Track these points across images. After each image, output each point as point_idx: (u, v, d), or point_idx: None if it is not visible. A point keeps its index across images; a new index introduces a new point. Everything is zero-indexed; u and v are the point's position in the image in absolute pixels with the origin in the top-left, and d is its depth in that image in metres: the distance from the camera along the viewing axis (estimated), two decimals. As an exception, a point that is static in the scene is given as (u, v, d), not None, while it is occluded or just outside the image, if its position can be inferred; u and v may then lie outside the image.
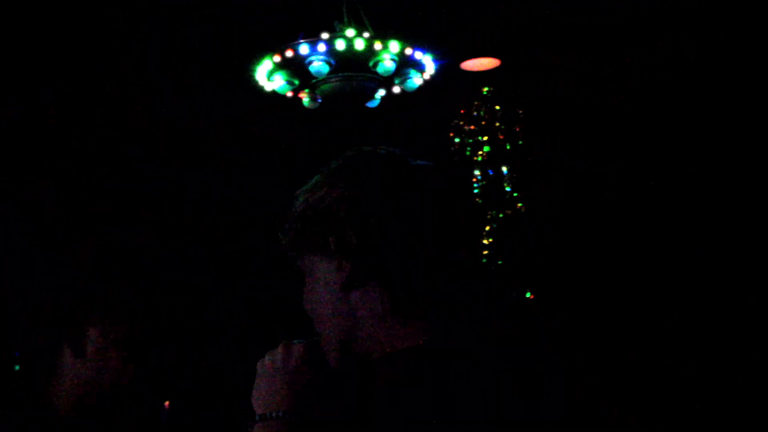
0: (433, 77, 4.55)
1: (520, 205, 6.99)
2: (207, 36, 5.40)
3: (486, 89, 6.74)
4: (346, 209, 1.51)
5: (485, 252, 7.07)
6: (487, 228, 7.01)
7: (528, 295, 7.40)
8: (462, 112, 6.83)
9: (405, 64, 4.35)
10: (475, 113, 6.83)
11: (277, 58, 4.26)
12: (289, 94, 4.47)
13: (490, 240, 7.03)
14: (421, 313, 1.59)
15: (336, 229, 1.51)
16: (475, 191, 6.94)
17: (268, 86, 4.46)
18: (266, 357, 1.68)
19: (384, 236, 1.51)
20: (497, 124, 6.82)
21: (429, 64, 4.44)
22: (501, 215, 7.00)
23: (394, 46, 4.22)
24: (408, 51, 4.27)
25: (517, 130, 6.85)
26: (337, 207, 1.51)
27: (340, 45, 4.17)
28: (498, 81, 6.57)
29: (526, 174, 7.01)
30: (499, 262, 7.15)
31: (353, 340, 1.60)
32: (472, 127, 6.85)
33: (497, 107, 6.80)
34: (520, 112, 6.79)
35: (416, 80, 4.46)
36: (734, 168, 7.05)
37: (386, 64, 4.23)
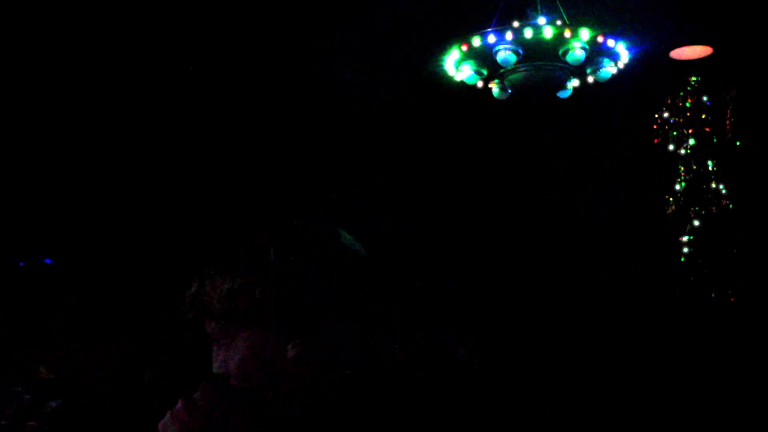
0: (638, 66, 4.43)
1: (726, 202, 6.67)
2: (397, 25, 5.31)
3: (694, 78, 6.42)
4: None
5: (686, 250, 6.79)
6: (689, 226, 6.75)
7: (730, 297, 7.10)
8: (668, 101, 6.55)
9: (597, 52, 4.25)
10: (680, 104, 6.52)
11: (464, 48, 4.20)
12: (479, 84, 4.38)
13: (691, 238, 6.79)
14: None
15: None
16: (678, 187, 6.63)
17: (457, 76, 4.40)
18: (167, 416, 1.71)
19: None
20: (704, 116, 6.50)
21: (623, 52, 4.32)
22: (704, 212, 6.70)
23: (585, 34, 4.12)
24: (600, 39, 4.17)
25: (726, 122, 6.55)
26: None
27: (528, 34, 4.08)
28: (708, 70, 6.25)
29: (734, 169, 6.64)
30: (699, 262, 6.90)
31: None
32: (678, 118, 6.55)
33: (705, 98, 6.47)
34: (730, 103, 6.44)
35: (609, 69, 4.35)
36: None
37: (576, 53, 4.13)
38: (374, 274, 1.77)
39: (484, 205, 7.23)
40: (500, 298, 7.63)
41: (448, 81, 4.48)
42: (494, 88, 4.41)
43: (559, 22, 4.13)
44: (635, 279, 7.42)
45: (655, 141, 6.57)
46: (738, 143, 6.53)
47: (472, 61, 4.26)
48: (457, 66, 4.35)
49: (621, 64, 4.38)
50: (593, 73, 4.35)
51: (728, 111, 6.50)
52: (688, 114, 6.52)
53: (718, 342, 6.94)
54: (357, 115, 6.25)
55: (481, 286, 7.62)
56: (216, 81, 6.08)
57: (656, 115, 6.57)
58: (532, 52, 4.17)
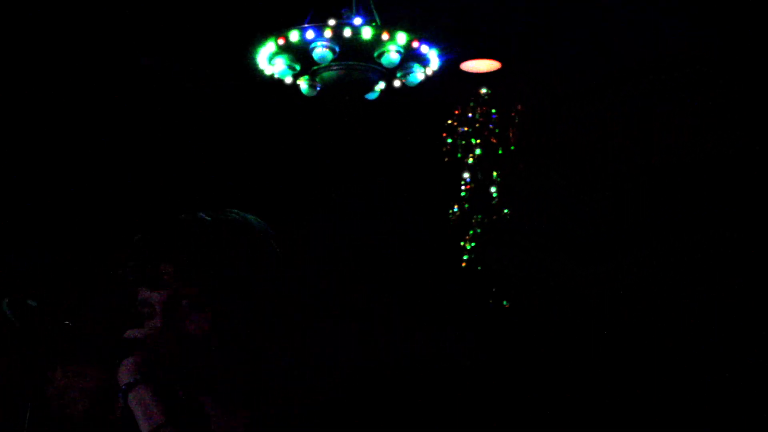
0: (433, 74, 4.51)
1: (506, 211, 6.91)
2: (209, 16, 5.32)
3: (484, 91, 6.68)
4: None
5: (466, 257, 7.03)
6: (471, 232, 6.95)
7: (505, 303, 7.39)
8: (456, 112, 6.77)
9: (410, 57, 4.29)
10: (470, 114, 6.72)
11: (280, 41, 4.20)
12: (289, 80, 4.42)
13: (473, 245, 6.98)
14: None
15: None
16: (463, 194, 6.87)
17: (269, 70, 4.39)
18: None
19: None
20: (491, 127, 6.73)
21: (434, 59, 4.38)
22: (486, 220, 6.93)
23: (402, 37, 4.16)
24: (415, 44, 4.21)
25: (511, 135, 6.80)
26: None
27: (347, 32, 4.10)
28: (497, 84, 6.50)
29: (515, 180, 6.92)
30: (479, 268, 7.11)
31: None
32: (466, 128, 6.75)
33: (493, 110, 6.71)
34: (516, 116, 6.73)
35: (419, 75, 4.39)
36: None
37: (392, 55, 4.16)
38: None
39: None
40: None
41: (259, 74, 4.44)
42: (303, 84, 4.39)
43: (374, 24, 4.15)
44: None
45: (444, 149, 6.78)
46: (521, 155, 6.79)
47: (286, 56, 4.22)
48: (270, 60, 4.31)
49: (430, 71, 4.41)
50: (404, 77, 4.37)
51: (513, 123, 6.71)
52: (477, 125, 6.71)
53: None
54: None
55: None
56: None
57: (446, 124, 6.77)
58: (348, 52, 4.17)
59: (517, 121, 6.72)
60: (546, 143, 6.86)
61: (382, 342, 7.54)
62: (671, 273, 7.30)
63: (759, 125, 6.60)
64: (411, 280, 7.65)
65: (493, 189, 6.82)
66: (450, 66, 5.70)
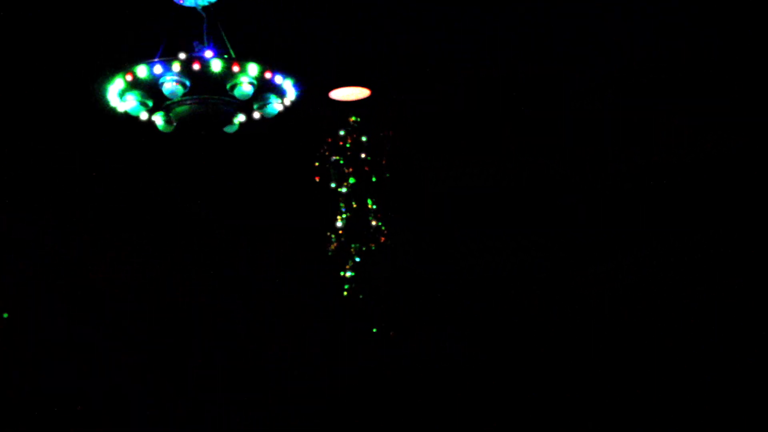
0: (300, 104, 4.50)
1: (384, 238, 6.84)
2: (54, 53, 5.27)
3: (353, 118, 6.58)
4: None
5: (347, 285, 7.04)
6: (350, 262, 6.96)
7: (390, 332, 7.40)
8: (329, 140, 6.68)
9: (264, 88, 4.26)
10: (341, 143, 6.66)
11: (129, 77, 4.12)
12: (144, 116, 4.31)
13: (353, 274, 7.01)
14: None
15: None
16: (338, 223, 6.89)
17: (121, 107, 4.30)
18: None
19: None
20: (363, 155, 6.66)
21: (290, 89, 4.34)
22: (364, 248, 6.88)
23: (253, 69, 4.13)
24: (267, 75, 4.17)
25: (383, 161, 6.72)
26: None
27: (196, 66, 4.06)
28: (366, 111, 6.44)
29: (391, 207, 6.86)
30: (360, 296, 7.09)
31: None
32: (338, 157, 6.69)
33: (364, 138, 6.64)
34: (387, 142, 6.71)
35: (276, 106, 4.35)
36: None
37: (244, 87, 4.13)
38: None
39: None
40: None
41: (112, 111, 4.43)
42: (159, 120, 4.31)
43: (226, 57, 4.11)
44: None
45: (317, 179, 6.76)
46: (393, 181, 6.76)
47: (137, 92, 4.16)
48: (121, 96, 4.24)
49: (288, 101, 4.38)
50: (260, 108, 4.33)
51: (385, 150, 6.68)
52: (348, 153, 6.67)
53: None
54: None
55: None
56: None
57: (318, 153, 6.76)
58: (200, 85, 4.12)
59: (388, 148, 6.71)
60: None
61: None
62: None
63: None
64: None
65: (369, 217, 6.83)
66: (318, 95, 5.74)
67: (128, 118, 6.18)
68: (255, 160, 6.74)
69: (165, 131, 4.38)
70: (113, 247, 7.20)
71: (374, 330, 7.32)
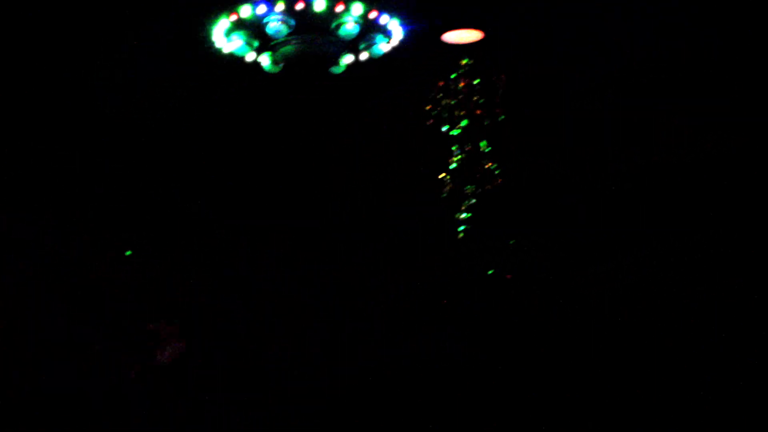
0: (410, 46, 4.44)
1: (499, 180, 6.72)
2: None
3: (465, 61, 6.45)
4: None
5: (461, 228, 6.94)
6: (465, 203, 6.86)
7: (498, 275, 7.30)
8: (440, 84, 6.68)
9: (370, 28, 4.22)
10: (453, 86, 6.52)
11: (233, 17, 4.13)
12: (250, 57, 4.33)
13: (468, 216, 6.89)
14: None
15: None
16: (453, 167, 6.77)
17: (227, 47, 4.31)
18: None
19: None
20: (475, 98, 6.52)
21: (396, 29, 4.30)
22: (479, 190, 6.75)
23: (357, 8, 4.10)
24: (372, 14, 4.15)
25: (496, 104, 6.67)
26: None
27: (299, 4, 4.03)
28: (479, 54, 6.31)
29: (505, 149, 6.72)
30: (475, 239, 7.01)
31: None
32: (450, 100, 6.58)
33: (476, 81, 6.50)
34: (499, 86, 6.60)
35: (382, 46, 4.32)
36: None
37: (348, 27, 4.11)
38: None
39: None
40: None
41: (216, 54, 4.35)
42: (265, 60, 4.30)
43: None
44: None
45: (429, 122, 6.68)
46: (507, 124, 6.65)
47: (242, 32, 4.15)
48: (227, 36, 4.22)
49: (394, 42, 4.34)
50: (366, 49, 4.29)
51: (498, 93, 6.50)
52: (460, 96, 6.52)
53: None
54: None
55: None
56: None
57: (429, 97, 6.66)
58: (305, 25, 4.09)
59: (500, 91, 6.61)
60: (535, 112, 6.75)
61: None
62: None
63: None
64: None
65: (483, 160, 6.73)
66: (430, 38, 5.60)
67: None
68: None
69: (271, 72, 4.35)
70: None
71: (489, 272, 7.27)
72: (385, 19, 4.21)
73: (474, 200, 6.75)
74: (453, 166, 6.67)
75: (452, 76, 6.49)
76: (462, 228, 6.88)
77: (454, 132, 6.57)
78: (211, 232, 7.43)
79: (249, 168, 7.05)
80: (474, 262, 7.63)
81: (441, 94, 6.56)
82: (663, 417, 6.88)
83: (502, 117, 6.48)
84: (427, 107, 6.60)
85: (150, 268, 7.33)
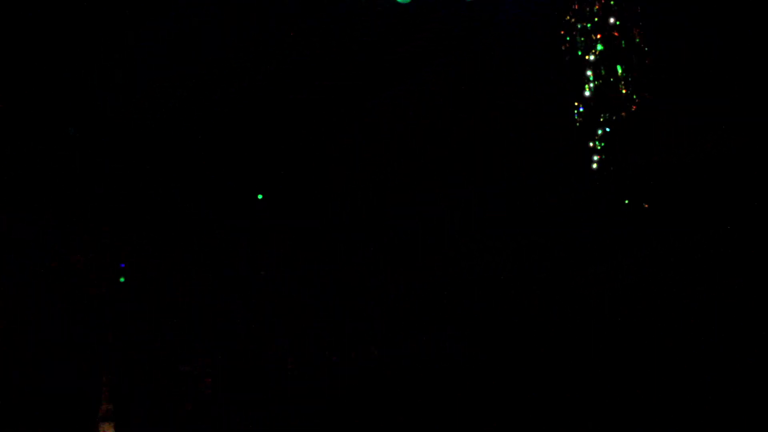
0: None
1: (635, 107, 6.39)
2: None
3: None
4: None
5: (596, 157, 6.71)
6: (599, 132, 6.63)
7: (644, 204, 7.07)
8: (575, 7, 6.28)
9: None
10: (588, 9, 6.26)
11: None
12: None
13: (603, 145, 6.67)
14: None
15: None
16: (588, 93, 6.47)
17: None
18: None
19: None
20: (612, 20, 6.23)
21: None
22: (615, 118, 6.44)
23: None
24: None
25: (635, 27, 6.45)
26: None
27: None
28: None
29: (642, 75, 6.38)
30: (611, 169, 6.83)
31: None
32: (585, 23, 6.29)
33: (612, 1, 6.20)
34: (638, 7, 6.35)
35: None
36: None
37: None
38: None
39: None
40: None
41: None
42: None
43: None
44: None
45: (564, 47, 6.49)
46: (646, 48, 6.45)
47: None
48: None
49: None
50: None
51: (635, 14, 6.43)
52: (596, 19, 6.27)
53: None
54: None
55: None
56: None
57: (563, 21, 6.48)
58: None
59: (638, 11, 6.38)
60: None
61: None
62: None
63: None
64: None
65: (619, 85, 6.47)
66: None
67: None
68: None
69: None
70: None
71: (626, 201, 7.15)
72: None
73: (608, 129, 6.52)
74: (588, 92, 6.43)
75: None
76: (596, 158, 6.66)
77: (590, 57, 6.32)
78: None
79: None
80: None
81: (575, 18, 6.34)
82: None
83: (638, 40, 6.21)
84: (561, 32, 6.39)
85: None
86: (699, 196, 7.05)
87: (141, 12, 5.17)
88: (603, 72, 6.32)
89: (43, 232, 6.91)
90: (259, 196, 7.05)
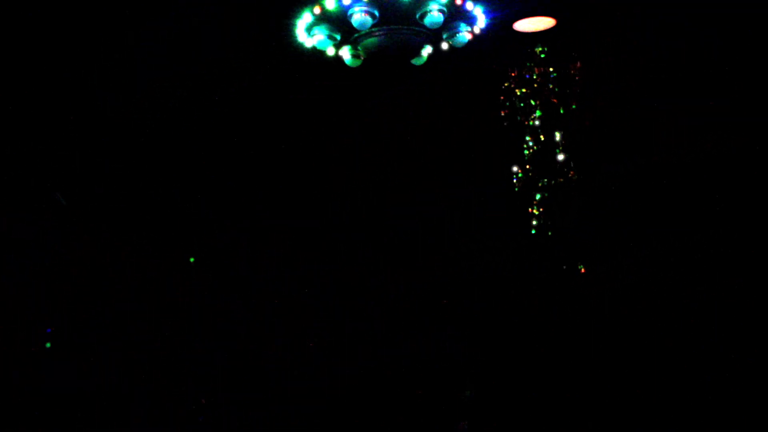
0: (483, 36, 4.39)
1: (572, 173, 6.60)
2: None
3: (539, 49, 6.32)
4: None
5: (535, 222, 6.79)
6: (538, 197, 6.71)
7: (580, 267, 7.17)
8: (513, 74, 6.47)
9: (454, 16, 4.19)
10: (527, 75, 6.43)
11: (317, 11, 4.10)
12: (331, 51, 4.29)
13: (540, 210, 6.75)
14: None
15: None
16: (526, 158, 6.57)
17: (309, 42, 4.28)
18: None
19: None
20: (550, 86, 6.41)
21: (480, 17, 4.26)
22: (552, 183, 6.62)
23: None
24: (458, 1, 4.12)
25: (572, 93, 6.45)
26: None
27: None
28: (552, 42, 6.21)
29: (580, 140, 6.59)
30: (549, 234, 6.90)
31: None
32: (524, 89, 6.46)
33: (551, 69, 6.39)
34: (575, 74, 6.45)
35: (466, 34, 4.29)
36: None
37: (434, 15, 4.08)
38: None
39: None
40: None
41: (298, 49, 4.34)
42: (346, 54, 4.30)
43: None
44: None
45: (503, 113, 6.54)
46: (583, 114, 6.51)
47: (324, 26, 4.14)
48: (308, 31, 4.21)
49: (477, 29, 4.29)
50: (450, 38, 4.27)
51: (574, 82, 6.42)
52: (535, 85, 6.42)
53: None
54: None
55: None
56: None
57: (503, 87, 6.53)
58: (389, 16, 4.09)
59: (577, 78, 6.47)
60: (610, 99, 6.56)
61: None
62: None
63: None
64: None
65: (557, 150, 6.55)
66: (502, 27, 5.53)
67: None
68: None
69: (352, 66, 4.33)
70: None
71: (564, 267, 7.21)
72: (470, 6, 4.17)
73: (547, 194, 6.61)
74: (527, 157, 6.51)
75: (527, 65, 6.33)
76: (534, 222, 6.76)
77: (529, 122, 6.41)
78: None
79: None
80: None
81: (514, 84, 6.42)
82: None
83: (574, 107, 6.32)
84: (501, 97, 6.46)
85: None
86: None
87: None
88: (541, 137, 6.46)
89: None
90: (191, 259, 7.16)
